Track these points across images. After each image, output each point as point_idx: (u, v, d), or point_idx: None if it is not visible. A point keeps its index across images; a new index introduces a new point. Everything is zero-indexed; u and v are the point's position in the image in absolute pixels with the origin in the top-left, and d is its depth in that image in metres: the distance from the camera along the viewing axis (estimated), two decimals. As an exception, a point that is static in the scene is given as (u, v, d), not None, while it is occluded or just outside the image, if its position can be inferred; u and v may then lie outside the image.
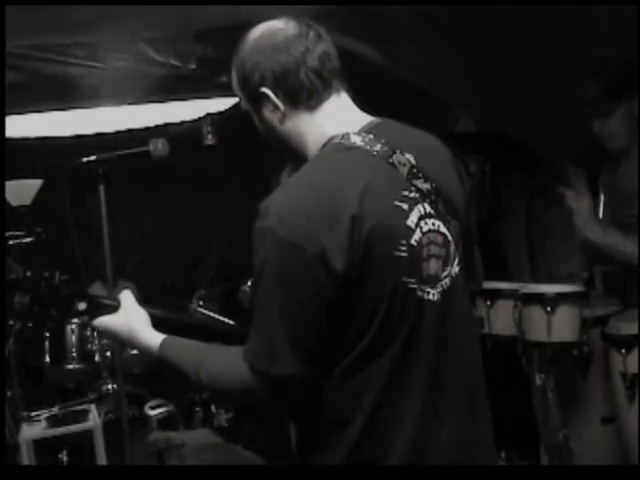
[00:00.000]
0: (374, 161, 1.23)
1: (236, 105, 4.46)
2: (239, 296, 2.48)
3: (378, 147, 1.24)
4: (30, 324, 1.46)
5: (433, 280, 1.25)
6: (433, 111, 3.84)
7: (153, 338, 1.38)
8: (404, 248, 1.20)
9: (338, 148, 1.25)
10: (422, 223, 1.23)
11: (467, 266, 1.46)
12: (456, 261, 1.30)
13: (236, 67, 1.33)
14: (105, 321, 1.45)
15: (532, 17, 2.46)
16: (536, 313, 2.55)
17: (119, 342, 1.46)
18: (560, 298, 2.53)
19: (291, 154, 1.36)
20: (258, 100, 1.31)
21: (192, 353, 1.32)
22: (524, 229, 4.16)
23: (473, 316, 1.38)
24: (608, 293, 3.10)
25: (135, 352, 4.05)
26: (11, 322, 3.51)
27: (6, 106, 3.01)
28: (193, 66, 3.33)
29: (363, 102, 1.43)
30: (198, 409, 4.05)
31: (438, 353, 1.25)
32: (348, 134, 1.25)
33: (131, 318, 1.43)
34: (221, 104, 3.88)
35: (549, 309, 2.51)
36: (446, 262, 1.27)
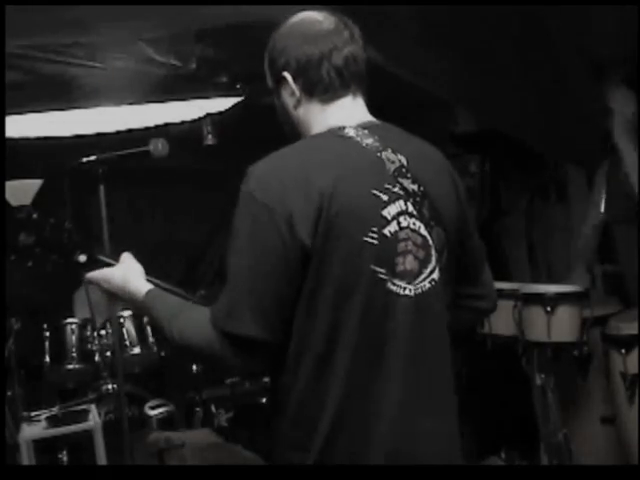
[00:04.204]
0: (362, 152, 1.28)
1: (236, 105, 4.45)
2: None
3: (369, 141, 1.29)
4: (30, 263, 1.49)
5: (408, 277, 1.26)
6: (434, 111, 3.84)
7: (142, 287, 1.44)
8: (375, 235, 1.22)
9: (332, 134, 1.31)
10: (401, 218, 1.25)
11: (473, 281, 1.48)
12: (437, 267, 1.30)
13: (269, 46, 1.40)
14: (102, 271, 1.50)
15: (532, 17, 2.46)
16: (536, 313, 2.56)
17: (111, 291, 1.49)
18: (560, 298, 2.53)
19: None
20: (279, 81, 1.38)
21: (170, 306, 1.37)
22: (524, 229, 4.16)
23: (446, 329, 1.37)
24: (608, 293, 3.10)
25: (135, 352, 4.06)
26: (13, 320, 3.52)
27: (6, 106, 3.01)
28: (193, 66, 3.33)
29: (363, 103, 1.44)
30: (198, 409, 4.05)
31: (411, 349, 1.26)
32: (344, 126, 1.32)
33: (128, 269, 1.50)
34: (221, 104, 3.87)
35: (549, 309, 2.51)
36: (425, 264, 1.28)
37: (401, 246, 1.25)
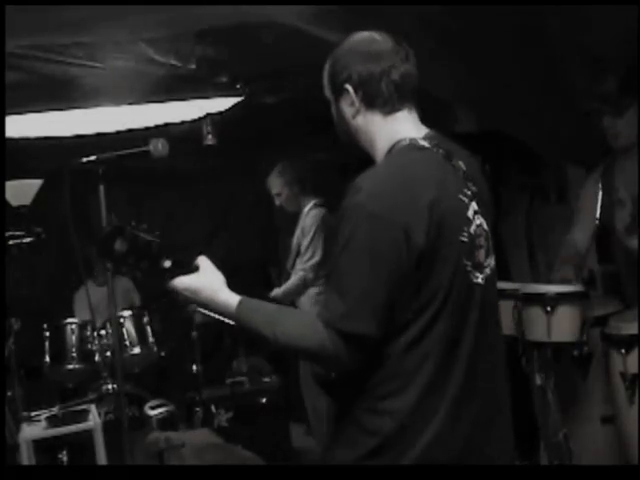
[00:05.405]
0: (442, 161, 1.44)
1: (236, 105, 4.43)
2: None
3: (441, 151, 1.45)
4: (123, 270, 1.55)
5: (480, 267, 1.45)
6: (434, 111, 3.83)
7: (232, 297, 1.50)
8: (465, 234, 1.41)
9: (411, 147, 1.45)
10: (476, 217, 1.45)
11: None
12: (491, 255, 1.51)
13: (330, 61, 1.55)
14: (187, 280, 1.54)
15: (532, 16, 2.46)
16: (536, 313, 2.55)
17: (198, 302, 1.54)
18: (560, 298, 2.53)
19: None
20: (340, 93, 1.52)
21: (268, 312, 1.46)
22: (524, 229, 4.16)
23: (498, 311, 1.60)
24: (608, 293, 3.10)
25: (135, 352, 4.06)
26: (12, 320, 3.52)
27: (6, 106, 3.01)
28: (193, 66, 3.33)
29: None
30: (198, 409, 4.05)
31: (479, 334, 1.43)
32: (415, 138, 1.46)
33: (212, 278, 1.54)
34: (221, 104, 3.88)
35: (549, 309, 2.51)
36: (487, 254, 1.48)
37: (477, 241, 1.44)
